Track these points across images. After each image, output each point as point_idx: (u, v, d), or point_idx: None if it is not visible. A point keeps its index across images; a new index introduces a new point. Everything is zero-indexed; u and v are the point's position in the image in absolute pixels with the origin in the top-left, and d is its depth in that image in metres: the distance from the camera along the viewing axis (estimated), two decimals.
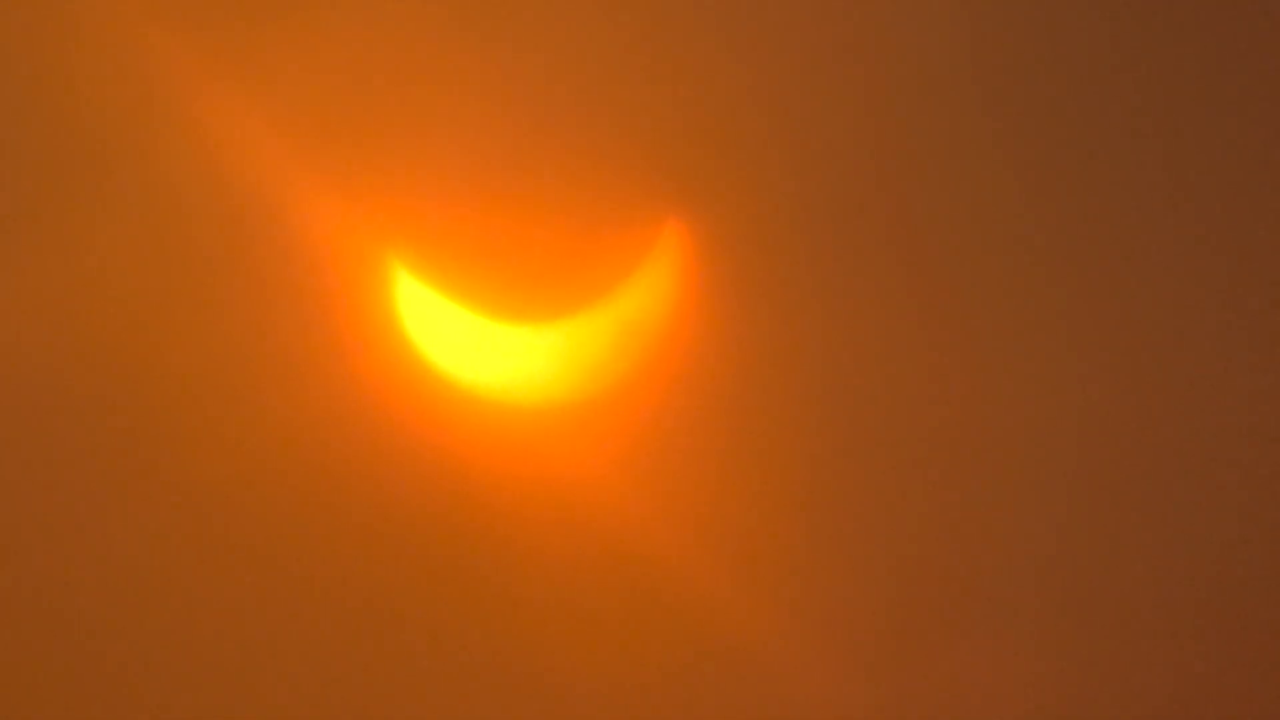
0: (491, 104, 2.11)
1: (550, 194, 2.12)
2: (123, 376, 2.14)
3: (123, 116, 2.11)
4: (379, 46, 2.10)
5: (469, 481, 2.16)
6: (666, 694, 2.19)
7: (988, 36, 2.13)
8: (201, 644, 2.18)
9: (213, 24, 2.09)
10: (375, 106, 2.11)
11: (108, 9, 2.09)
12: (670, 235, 2.14)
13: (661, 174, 2.13)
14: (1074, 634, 2.20)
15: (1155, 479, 2.18)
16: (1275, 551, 2.19)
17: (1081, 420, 2.17)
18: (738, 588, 2.18)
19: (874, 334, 2.15)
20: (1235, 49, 2.14)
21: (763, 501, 2.17)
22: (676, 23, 2.11)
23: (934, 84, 2.13)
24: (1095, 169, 2.15)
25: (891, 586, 2.18)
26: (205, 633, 2.18)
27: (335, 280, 2.13)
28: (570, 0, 2.11)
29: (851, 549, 2.18)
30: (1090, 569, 2.19)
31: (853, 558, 2.18)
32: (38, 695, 2.18)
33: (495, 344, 2.16)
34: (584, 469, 2.16)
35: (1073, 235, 2.15)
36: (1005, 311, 2.16)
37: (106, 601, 2.18)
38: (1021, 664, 2.20)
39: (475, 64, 2.11)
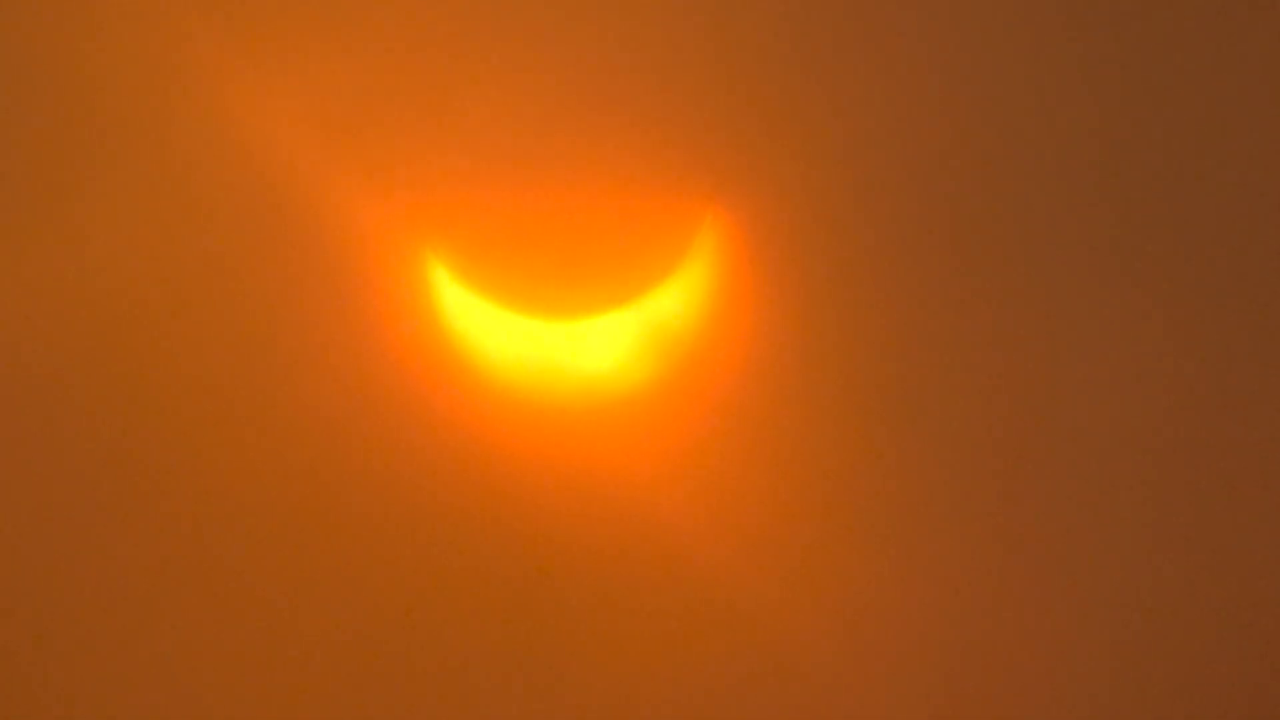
0: (529, 98, 2.10)
1: (590, 190, 2.10)
2: (146, 368, 2.13)
3: (152, 107, 2.10)
4: (415, 37, 2.09)
5: (506, 477, 2.15)
6: (705, 691, 2.19)
7: (1031, 34, 2.10)
8: (234, 639, 2.18)
9: (243, 15, 2.08)
10: (410, 100, 2.09)
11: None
12: (711, 230, 2.12)
13: (702, 168, 2.11)
14: (1112, 638, 2.19)
15: (1176, 479, 2.17)
16: None
17: (1113, 424, 2.15)
18: (777, 585, 2.17)
19: (918, 330, 2.13)
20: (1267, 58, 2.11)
21: (804, 499, 2.16)
22: (716, 15, 2.08)
23: (978, 77, 2.10)
24: (1144, 169, 2.12)
25: (933, 585, 2.17)
26: (238, 628, 2.18)
27: (371, 277, 2.12)
28: None
29: (892, 545, 2.17)
30: (1121, 571, 2.19)
31: (891, 554, 2.17)
32: (53, 694, 2.19)
33: (534, 340, 2.15)
34: (624, 465, 2.15)
35: (1121, 239, 2.13)
36: (1050, 304, 2.14)
37: (126, 599, 2.18)
38: (1066, 668, 2.19)
39: (512, 58, 2.09)
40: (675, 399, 2.15)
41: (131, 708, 2.20)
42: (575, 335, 2.15)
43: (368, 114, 2.10)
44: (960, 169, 2.11)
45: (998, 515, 2.17)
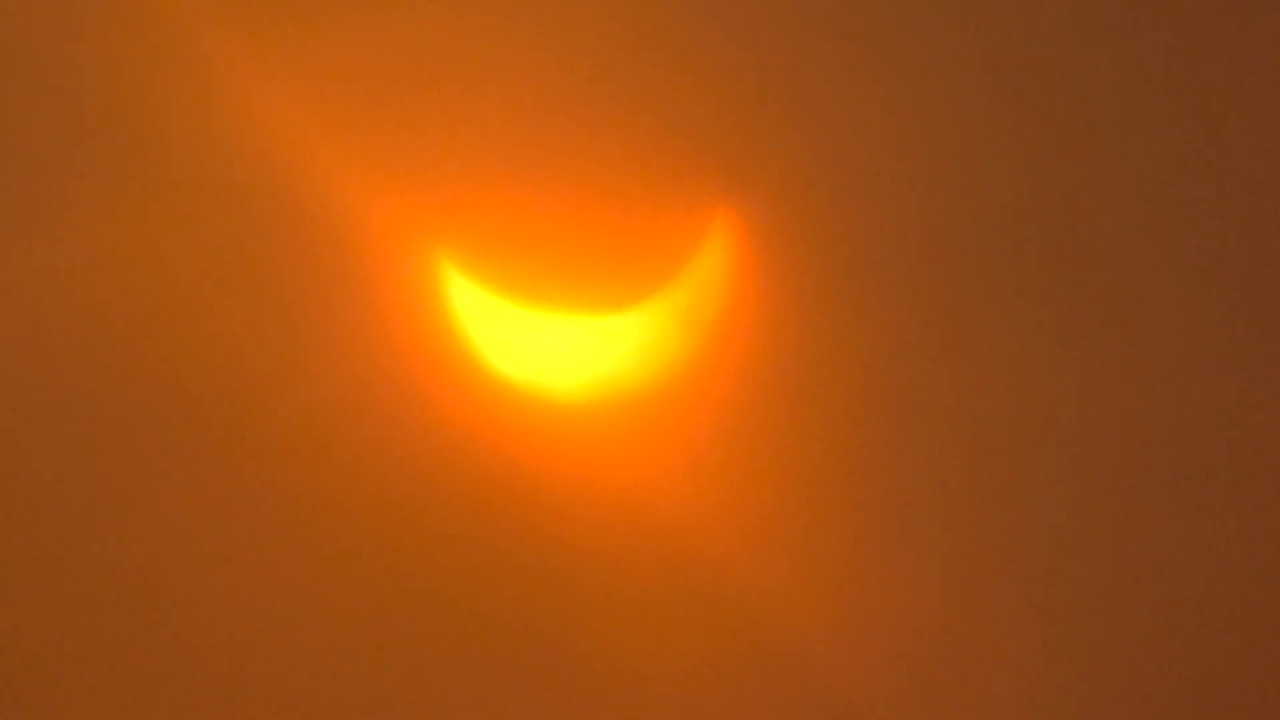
0: (541, 93, 2.09)
1: (601, 187, 2.10)
2: (149, 367, 2.12)
3: (151, 99, 2.09)
4: (429, 35, 2.08)
5: (515, 474, 2.14)
6: (722, 695, 2.18)
7: (1044, 40, 2.11)
8: (236, 638, 2.17)
9: (244, 5, 2.07)
10: (417, 93, 2.09)
11: None
12: (723, 226, 2.12)
13: (714, 167, 2.11)
14: (1117, 637, 2.20)
15: (1184, 479, 2.18)
16: None
17: (1120, 427, 2.16)
18: (788, 585, 2.17)
19: (928, 327, 2.13)
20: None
21: (815, 499, 2.15)
22: (732, 9, 2.08)
23: (995, 81, 2.11)
24: (1153, 173, 2.13)
25: (943, 583, 2.17)
26: (241, 627, 2.17)
27: (382, 274, 2.11)
28: None
29: (903, 543, 2.17)
30: (1124, 567, 2.19)
31: (903, 552, 2.17)
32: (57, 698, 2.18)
33: (545, 338, 2.14)
34: (635, 463, 2.15)
35: (1133, 245, 2.14)
36: (1060, 308, 2.14)
37: (128, 600, 2.17)
38: (1074, 666, 2.19)
39: (524, 54, 2.09)
40: (686, 397, 2.15)
41: (141, 703, 2.18)
42: (586, 332, 2.14)
43: (374, 107, 2.09)
44: (975, 173, 2.12)
45: (1009, 515, 2.17)
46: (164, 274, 2.11)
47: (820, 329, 2.12)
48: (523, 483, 2.14)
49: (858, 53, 2.10)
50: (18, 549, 2.16)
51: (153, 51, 2.09)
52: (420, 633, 2.17)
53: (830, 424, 2.15)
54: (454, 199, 2.10)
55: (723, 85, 2.10)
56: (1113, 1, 2.12)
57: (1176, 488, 2.18)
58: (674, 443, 2.15)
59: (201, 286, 2.11)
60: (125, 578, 2.17)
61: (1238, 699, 2.21)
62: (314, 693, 2.18)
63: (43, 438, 2.14)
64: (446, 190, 2.10)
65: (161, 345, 2.13)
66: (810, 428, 2.15)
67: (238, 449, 2.14)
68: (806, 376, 2.14)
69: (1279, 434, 2.17)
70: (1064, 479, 2.17)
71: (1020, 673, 2.20)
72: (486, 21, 2.08)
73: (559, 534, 2.15)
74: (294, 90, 2.08)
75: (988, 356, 2.14)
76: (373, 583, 2.16)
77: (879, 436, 2.15)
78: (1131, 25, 2.12)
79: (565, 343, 2.15)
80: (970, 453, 2.16)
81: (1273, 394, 2.16)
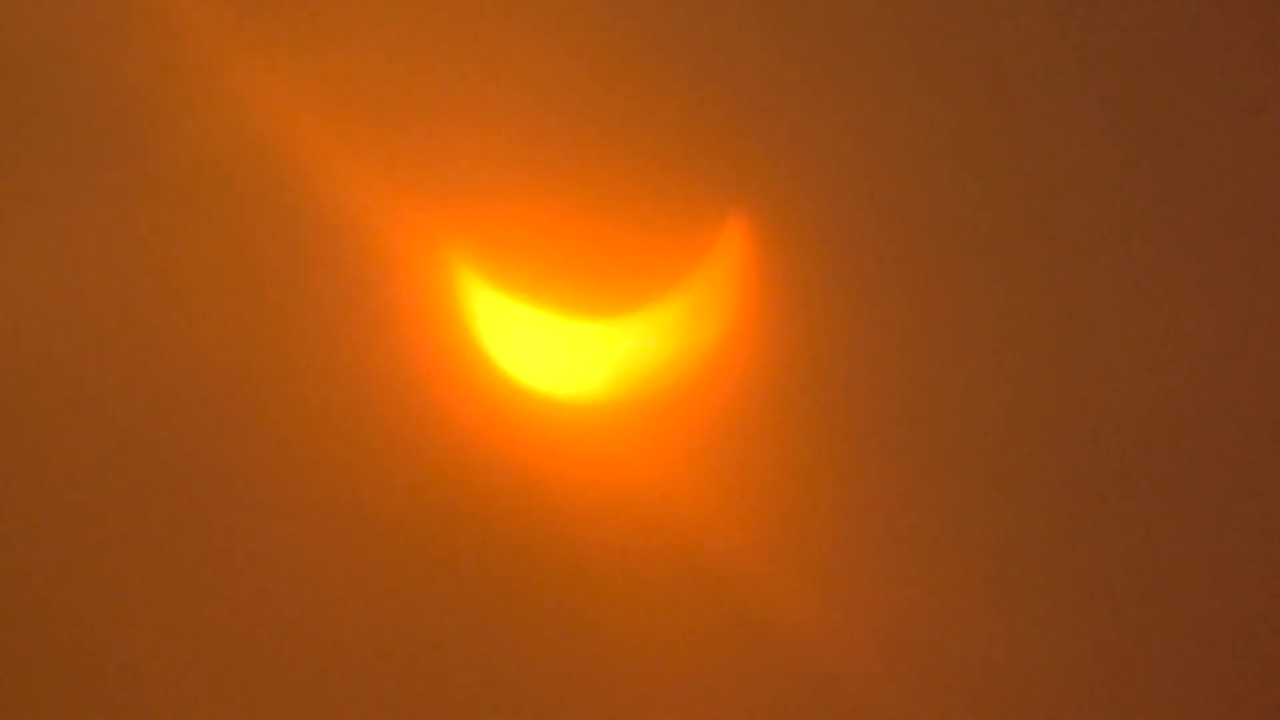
0: (552, 98, 2.09)
1: (612, 190, 2.10)
2: (157, 370, 2.12)
3: (160, 99, 2.08)
4: (441, 39, 2.08)
5: (528, 479, 2.14)
6: (726, 689, 2.19)
7: (1058, 41, 2.11)
8: (244, 642, 2.17)
9: (269, 14, 2.07)
10: (435, 100, 2.08)
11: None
12: (732, 231, 2.12)
13: (724, 169, 2.11)
14: (1113, 627, 2.21)
15: (1199, 481, 2.18)
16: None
17: (1133, 431, 2.16)
18: (799, 586, 2.17)
19: (940, 331, 2.13)
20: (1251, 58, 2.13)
21: (826, 502, 2.15)
22: (739, 15, 2.08)
23: (1002, 83, 2.11)
24: (1169, 174, 2.14)
25: (949, 587, 2.18)
26: (251, 632, 2.17)
27: (394, 277, 2.11)
28: None
29: (915, 546, 2.17)
30: (1125, 565, 2.19)
31: (915, 555, 2.17)
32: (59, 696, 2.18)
33: (556, 341, 2.14)
34: (646, 467, 2.15)
35: (1147, 249, 2.14)
36: (1071, 314, 2.14)
37: (134, 604, 2.17)
38: (1085, 669, 2.20)
39: (535, 58, 2.09)
40: (694, 399, 2.15)
41: (142, 706, 2.18)
42: (596, 335, 2.14)
43: (386, 110, 2.09)
44: (981, 180, 2.12)
45: (1011, 520, 2.17)
46: (175, 275, 2.11)
47: (826, 332, 2.13)
48: (532, 484, 2.14)
49: (865, 60, 2.10)
50: (20, 548, 2.16)
51: (163, 53, 2.08)
52: (426, 629, 2.17)
53: (835, 426, 2.15)
54: (466, 202, 2.10)
55: (732, 92, 2.09)
56: (1108, 11, 2.12)
57: (1167, 483, 2.18)
58: (682, 444, 2.15)
59: (214, 288, 2.11)
60: (128, 578, 2.16)
61: (1229, 690, 2.21)
62: (319, 690, 2.18)
63: (49, 437, 2.13)
64: (458, 193, 2.10)
65: (172, 346, 2.12)
66: (816, 430, 2.15)
67: (248, 449, 2.13)
68: (813, 379, 2.14)
69: (1271, 434, 2.18)
70: (1064, 481, 2.17)
71: (1028, 673, 2.20)
72: (498, 26, 2.08)
73: (567, 534, 2.15)
74: (308, 94, 2.07)
75: (990, 361, 2.14)
76: (381, 579, 2.16)
77: (883, 438, 2.16)
78: (1128, 32, 2.13)
79: (575, 345, 2.15)
80: (972, 456, 2.16)
81: (1266, 395, 2.17)
